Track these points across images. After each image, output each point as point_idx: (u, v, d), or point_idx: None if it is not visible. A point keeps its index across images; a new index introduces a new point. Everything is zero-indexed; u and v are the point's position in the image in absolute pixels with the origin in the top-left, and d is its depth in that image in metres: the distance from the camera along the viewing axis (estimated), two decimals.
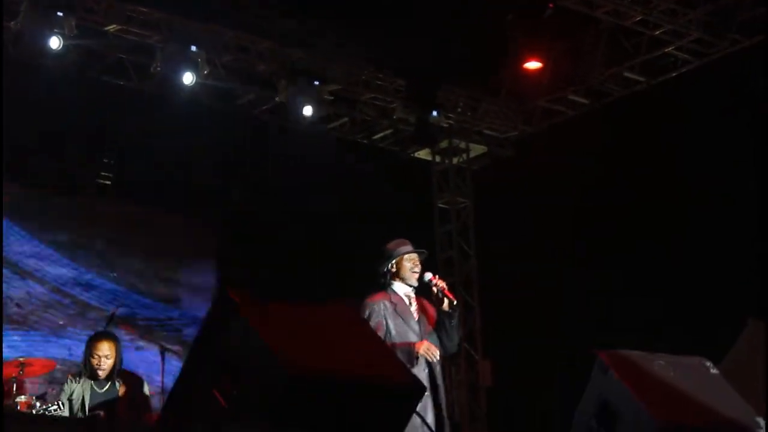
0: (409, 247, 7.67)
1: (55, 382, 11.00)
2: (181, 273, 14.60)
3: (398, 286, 7.61)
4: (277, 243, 14.11)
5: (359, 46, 13.69)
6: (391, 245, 7.69)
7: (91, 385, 8.32)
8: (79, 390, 8.30)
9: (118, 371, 8.45)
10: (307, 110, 13.41)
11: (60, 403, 8.31)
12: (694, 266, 12.49)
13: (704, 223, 12.53)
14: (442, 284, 7.61)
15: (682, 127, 12.87)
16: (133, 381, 8.56)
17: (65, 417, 8.08)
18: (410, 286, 7.60)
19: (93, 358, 8.35)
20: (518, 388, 14.05)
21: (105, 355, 8.35)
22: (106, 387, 8.36)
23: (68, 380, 8.44)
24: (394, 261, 7.60)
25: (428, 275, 7.65)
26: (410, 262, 7.61)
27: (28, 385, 10.41)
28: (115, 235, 14.07)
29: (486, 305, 15.09)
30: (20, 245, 13.38)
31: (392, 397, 4.76)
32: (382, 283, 7.64)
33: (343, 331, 5.04)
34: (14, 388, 9.44)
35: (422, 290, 7.77)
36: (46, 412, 8.52)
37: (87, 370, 8.37)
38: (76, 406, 8.25)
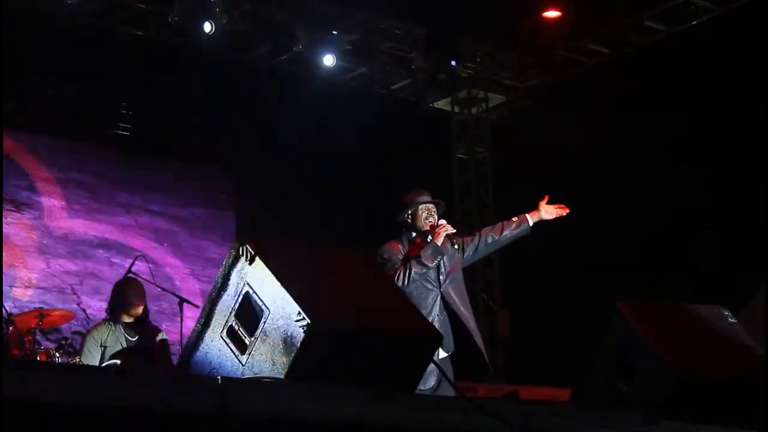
0: (426, 198, 7.57)
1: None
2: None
3: (412, 236, 7.54)
4: (296, 194, 14.09)
5: None
6: (408, 195, 7.58)
7: (125, 334, 8.31)
8: (113, 336, 8.27)
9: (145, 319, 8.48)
10: (325, 60, 13.37)
11: (86, 350, 8.26)
12: (714, 215, 12.44)
13: (723, 171, 12.47)
14: (443, 230, 7.43)
15: (702, 76, 12.77)
16: (151, 329, 8.56)
17: (100, 366, 8.00)
18: (424, 234, 7.50)
19: (127, 305, 8.33)
20: (536, 338, 14.06)
21: (139, 303, 8.36)
22: (136, 337, 8.36)
23: (97, 327, 8.41)
24: (410, 211, 7.53)
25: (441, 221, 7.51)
26: (426, 212, 7.53)
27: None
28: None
29: (504, 255, 15.05)
30: None
31: (409, 345, 4.76)
32: (397, 232, 7.58)
33: (360, 278, 5.02)
34: (34, 339, 9.43)
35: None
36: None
37: (116, 314, 8.36)
38: (110, 351, 8.22)
